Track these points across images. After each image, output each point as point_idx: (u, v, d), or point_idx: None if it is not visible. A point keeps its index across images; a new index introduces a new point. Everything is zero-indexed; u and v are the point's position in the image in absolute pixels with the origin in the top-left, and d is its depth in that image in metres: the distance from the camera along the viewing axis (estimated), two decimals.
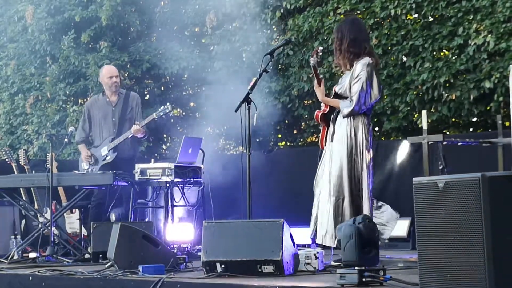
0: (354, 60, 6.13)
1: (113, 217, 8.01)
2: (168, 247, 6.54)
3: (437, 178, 4.04)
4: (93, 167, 8.14)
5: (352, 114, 6.08)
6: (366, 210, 5.97)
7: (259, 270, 5.21)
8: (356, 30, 6.24)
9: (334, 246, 5.97)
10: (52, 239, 7.29)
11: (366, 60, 6.09)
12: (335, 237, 5.89)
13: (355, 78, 6.08)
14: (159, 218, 8.08)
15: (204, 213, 7.89)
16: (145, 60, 11.12)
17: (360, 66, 6.08)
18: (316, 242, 6.12)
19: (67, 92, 11.77)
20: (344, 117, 6.12)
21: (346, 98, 6.14)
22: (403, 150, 8.61)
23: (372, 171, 6.15)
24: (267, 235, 5.25)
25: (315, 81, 6.27)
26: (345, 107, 6.09)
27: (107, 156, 8.13)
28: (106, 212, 7.95)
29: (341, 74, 6.60)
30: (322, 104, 6.35)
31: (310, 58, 6.28)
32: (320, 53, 6.27)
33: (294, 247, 5.41)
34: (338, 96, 6.22)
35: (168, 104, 7.99)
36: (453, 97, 8.42)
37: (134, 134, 8.02)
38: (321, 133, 6.38)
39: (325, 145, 6.29)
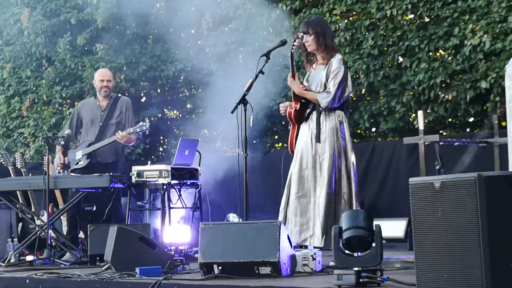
0: (333, 55, 6.19)
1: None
2: (165, 249, 6.53)
3: (434, 178, 4.03)
4: (62, 173, 7.94)
5: (330, 106, 6.08)
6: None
7: (256, 271, 5.20)
8: (329, 27, 6.47)
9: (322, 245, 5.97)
10: (49, 242, 7.27)
11: (340, 56, 6.23)
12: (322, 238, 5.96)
13: (332, 72, 6.13)
14: (155, 221, 8.06)
15: (201, 215, 7.88)
16: (141, 62, 11.10)
17: (337, 62, 6.15)
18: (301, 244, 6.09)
19: (63, 95, 11.76)
20: (322, 110, 6.13)
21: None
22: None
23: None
24: (264, 237, 5.24)
25: (289, 74, 6.25)
26: (324, 98, 6.10)
27: (80, 160, 7.92)
28: (103, 214, 7.93)
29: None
30: (287, 103, 6.40)
31: (292, 46, 6.18)
32: (301, 39, 6.22)
33: (291, 248, 5.41)
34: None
35: (146, 120, 7.68)
36: (450, 98, 8.43)
37: (120, 141, 7.79)
38: (290, 134, 6.34)
39: (295, 146, 6.27)
